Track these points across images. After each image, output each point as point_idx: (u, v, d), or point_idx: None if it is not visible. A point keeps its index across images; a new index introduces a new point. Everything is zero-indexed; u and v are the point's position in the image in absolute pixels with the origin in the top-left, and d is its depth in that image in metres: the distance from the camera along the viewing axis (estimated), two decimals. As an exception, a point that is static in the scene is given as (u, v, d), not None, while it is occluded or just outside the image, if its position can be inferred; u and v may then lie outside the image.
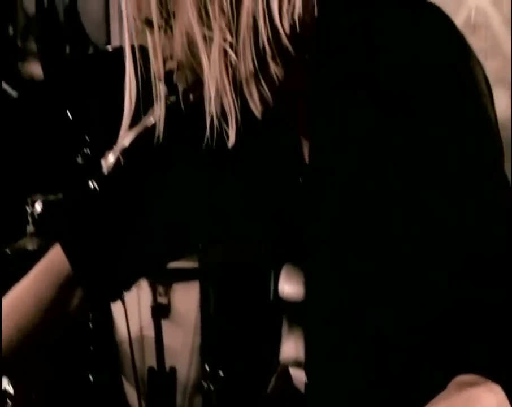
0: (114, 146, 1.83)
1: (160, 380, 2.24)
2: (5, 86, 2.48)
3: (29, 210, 1.99)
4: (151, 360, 2.22)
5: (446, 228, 0.80)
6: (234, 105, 0.89)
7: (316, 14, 0.89)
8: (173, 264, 2.21)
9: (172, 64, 0.93)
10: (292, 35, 0.88)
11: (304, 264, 0.98)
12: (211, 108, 0.89)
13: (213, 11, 0.85)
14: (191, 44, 0.89)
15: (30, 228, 2.01)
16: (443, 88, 0.82)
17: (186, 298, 2.24)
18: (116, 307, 2.30)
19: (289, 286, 1.02)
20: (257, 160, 1.07)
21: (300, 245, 0.98)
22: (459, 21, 2.46)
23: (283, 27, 0.87)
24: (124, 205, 1.12)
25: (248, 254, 2.21)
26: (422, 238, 0.82)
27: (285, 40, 0.87)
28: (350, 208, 0.88)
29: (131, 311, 2.22)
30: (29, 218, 2.00)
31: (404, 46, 0.84)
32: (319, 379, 0.95)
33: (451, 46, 0.86)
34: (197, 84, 0.92)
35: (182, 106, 0.96)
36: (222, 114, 0.90)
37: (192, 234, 1.16)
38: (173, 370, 2.21)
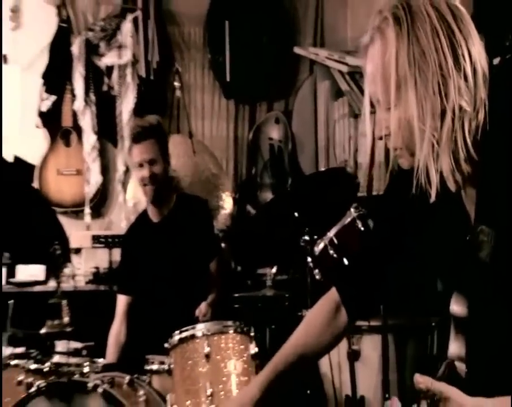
0: (324, 237, 2.64)
1: (353, 405, 2.65)
2: (248, 207, 3.56)
3: (268, 271, 2.94)
4: (347, 390, 2.69)
5: None
6: (436, 176, 1.11)
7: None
8: (363, 323, 2.78)
9: (386, 131, 1.17)
10: (476, 145, 1.12)
11: (468, 293, 1.19)
12: (418, 173, 1.11)
13: (426, 115, 1.10)
14: (406, 126, 1.12)
15: (268, 283, 2.94)
16: None
17: (372, 347, 2.69)
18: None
19: (457, 307, 1.24)
20: (439, 221, 1.25)
21: (465, 280, 1.19)
22: None
23: (471, 142, 1.11)
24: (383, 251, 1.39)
25: (414, 319, 2.69)
26: None
27: (471, 149, 1.11)
28: (505, 260, 1.07)
29: (333, 355, 2.72)
30: (268, 276, 2.95)
31: None
32: (476, 369, 1.17)
33: None
34: (405, 152, 1.16)
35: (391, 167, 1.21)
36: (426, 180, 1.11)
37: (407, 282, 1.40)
38: (362, 398, 2.66)
